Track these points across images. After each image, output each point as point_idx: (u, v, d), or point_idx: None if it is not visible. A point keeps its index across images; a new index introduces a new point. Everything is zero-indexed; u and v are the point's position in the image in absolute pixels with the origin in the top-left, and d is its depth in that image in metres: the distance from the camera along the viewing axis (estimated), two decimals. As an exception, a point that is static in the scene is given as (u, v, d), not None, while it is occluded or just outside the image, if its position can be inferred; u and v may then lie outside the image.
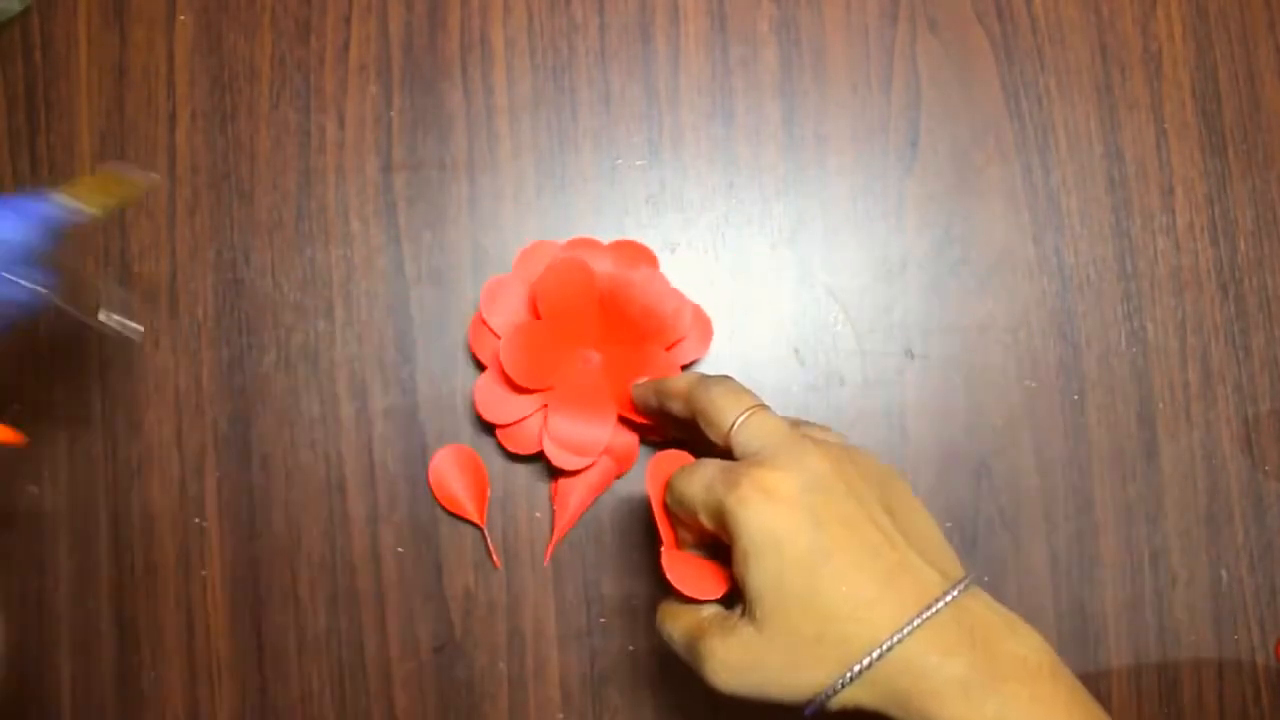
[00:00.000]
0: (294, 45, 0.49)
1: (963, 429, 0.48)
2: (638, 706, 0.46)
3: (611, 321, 0.45)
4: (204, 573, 0.47)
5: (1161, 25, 0.50)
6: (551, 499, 0.47)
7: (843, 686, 0.32)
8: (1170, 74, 0.50)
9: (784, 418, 0.37)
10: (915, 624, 0.32)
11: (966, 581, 0.33)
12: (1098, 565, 0.47)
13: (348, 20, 0.49)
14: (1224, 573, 0.47)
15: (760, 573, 0.33)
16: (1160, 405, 0.48)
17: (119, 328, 0.40)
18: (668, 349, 0.46)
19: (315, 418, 0.47)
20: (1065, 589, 0.47)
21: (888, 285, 0.48)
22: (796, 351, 0.48)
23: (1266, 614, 0.47)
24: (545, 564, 0.46)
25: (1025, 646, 0.33)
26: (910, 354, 0.48)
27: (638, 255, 0.47)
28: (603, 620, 0.47)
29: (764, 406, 0.37)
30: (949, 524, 0.47)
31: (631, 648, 0.46)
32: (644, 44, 0.49)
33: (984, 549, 0.47)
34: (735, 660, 0.33)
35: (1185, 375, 0.48)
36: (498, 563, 0.47)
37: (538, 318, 0.45)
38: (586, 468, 0.45)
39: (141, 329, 0.41)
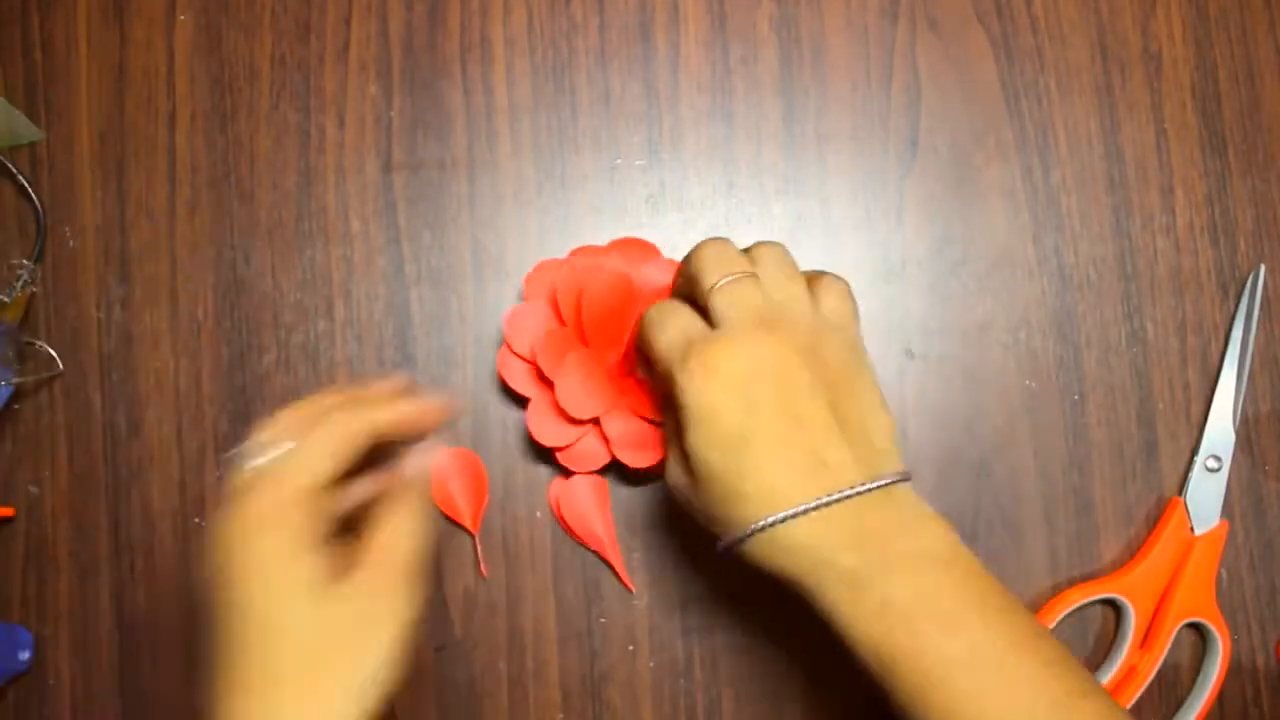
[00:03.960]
0: (294, 45, 0.49)
1: (963, 429, 0.47)
2: (638, 706, 0.46)
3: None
4: (204, 573, 0.47)
5: (1161, 25, 0.50)
6: (555, 511, 0.46)
7: (734, 546, 0.36)
8: (1170, 74, 0.49)
9: (782, 278, 0.37)
10: (796, 511, 0.34)
11: (884, 482, 0.35)
12: (1098, 566, 0.47)
13: (348, 20, 0.49)
14: (1224, 573, 0.47)
15: (694, 439, 0.35)
16: (1160, 405, 0.48)
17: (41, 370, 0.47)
18: None
19: (315, 418, 0.47)
20: (1065, 589, 0.47)
21: (888, 285, 0.48)
22: (796, 351, 0.48)
23: (1266, 614, 0.47)
24: (630, 591, 0.47)
25: (922, 541, 0.34)
26: (910, 354, 0.48)
27: (643, 252, 0.46)
28: (603, 620, 0.47)
29: (752, 275, 0.37)
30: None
31: (631, 648, 0.46)
32: (644, 44, 0.49)
33: (984, 549, 0.47)
34: (673, 479, 0.38)
35: (1185, 375, 0.48)
36: (485, 571, 0.46)
37: (562, 324, 0.44)
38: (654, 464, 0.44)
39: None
